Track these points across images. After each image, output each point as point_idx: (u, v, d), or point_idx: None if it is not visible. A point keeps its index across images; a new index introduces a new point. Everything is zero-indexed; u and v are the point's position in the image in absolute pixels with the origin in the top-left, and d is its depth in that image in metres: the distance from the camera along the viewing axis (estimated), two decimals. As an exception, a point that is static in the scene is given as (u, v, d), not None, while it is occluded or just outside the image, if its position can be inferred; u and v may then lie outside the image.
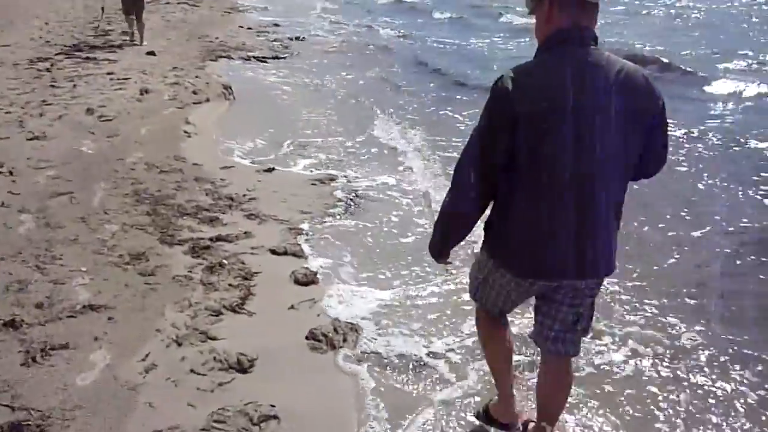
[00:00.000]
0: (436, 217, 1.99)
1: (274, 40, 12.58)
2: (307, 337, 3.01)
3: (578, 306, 1.93)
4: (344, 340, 3.00)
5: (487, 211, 1.92)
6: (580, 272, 1.81)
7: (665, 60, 10.10)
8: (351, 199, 4.79)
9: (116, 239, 3.84)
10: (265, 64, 10.40)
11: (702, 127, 7.01)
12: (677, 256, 4.06)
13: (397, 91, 8.72)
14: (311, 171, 5.38)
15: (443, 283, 3.57)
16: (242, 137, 6.15)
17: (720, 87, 8.87)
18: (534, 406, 2.30)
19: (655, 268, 3.87)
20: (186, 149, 5.62)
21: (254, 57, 10.69)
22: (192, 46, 11.14)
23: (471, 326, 3.07)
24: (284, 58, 11.01)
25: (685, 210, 4.78)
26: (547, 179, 1.70)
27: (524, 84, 1.67)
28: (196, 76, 8.16)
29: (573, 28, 1.69)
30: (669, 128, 1.90)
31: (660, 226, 4.47)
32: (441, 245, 1.99)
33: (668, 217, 4.63)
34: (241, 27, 14.20)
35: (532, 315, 2.11)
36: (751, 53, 11.25)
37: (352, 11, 19.21)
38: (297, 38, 13.15)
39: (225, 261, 3.64)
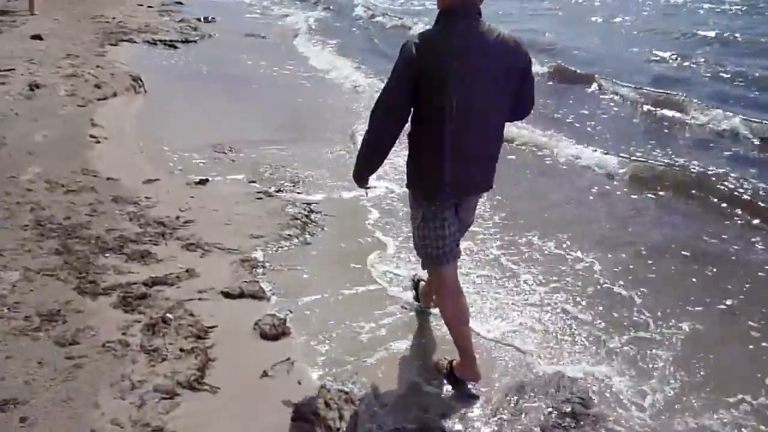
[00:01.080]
0: (357, 154, 2.42)
1: (181, 21, 11.33)
2: (293, 418, 2.37)
3: (469, 216, 2.57)
4: (341, 418, 2.39)
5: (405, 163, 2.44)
6: (474, 188, 2.42)
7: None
8: (306, 216, 4.12)
9: (19, 293, 2.95)
10: (174, 49, 9.26)
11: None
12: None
13: (331, 84, 8.01)
14: (253, 181, 4.62)
15: (435, 322, 3.04)
16: (163, 140, 5.24)
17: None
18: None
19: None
20: (96, 159, 4.65)
21: (161, 41, 9.48)
22: (85, 28, 9.72)
23: (490, 374, 2.58)
24: (195, 41, 9.88)
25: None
26: (443, 120, 2.15)
27: (424, 48, 2.13)
28: (97, 66, 6.97)
29: (463, 3, 2.15)
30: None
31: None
32: (362, 171, 2.42)
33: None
34: (140, 5, 12.72)
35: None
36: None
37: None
38: (206, 19, 11.93)
39: (169, 315, 2.88)
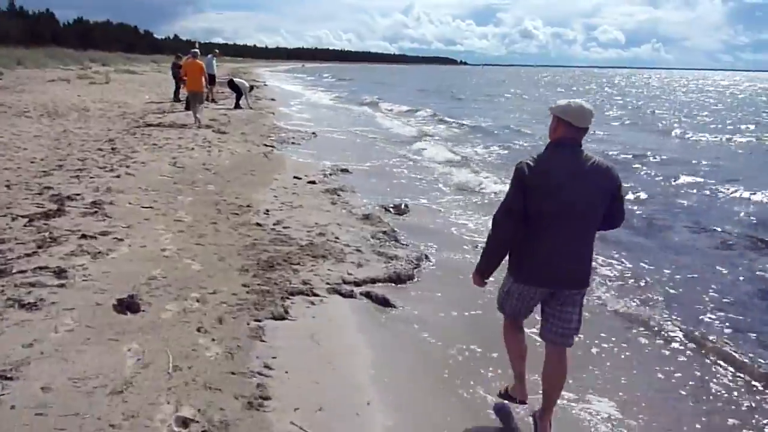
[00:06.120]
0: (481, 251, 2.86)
1: (366, 218, 6.66)
2: None
3: (570, 310, 2.77)
4: None
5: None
6: (568, 283, 2.71)
7: None
8: None
9: None
10: (390, 309, 4.37)
11: None
12: None
13: None
14: None
15: None
16: None
17: None
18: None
19: None
20: None
21: (359, 286, 4.66)
22: (227, 244, 5.13)
23: None
24: (414, 278, 5.01)
25: None
26: (546, 224, 2.61)
27: (533, 169, 2.61)
28: None
29: (568, 138, 2.66)
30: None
31: None
32: (483, 267, 2.83)
33: None
34: (298, 178, 8.40)
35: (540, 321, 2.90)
36: None
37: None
38: (398, 208, 7.29)
39: None
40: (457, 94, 39.03)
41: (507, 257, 2.80)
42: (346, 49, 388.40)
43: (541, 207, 2.58)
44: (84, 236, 4.90)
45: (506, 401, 3.14)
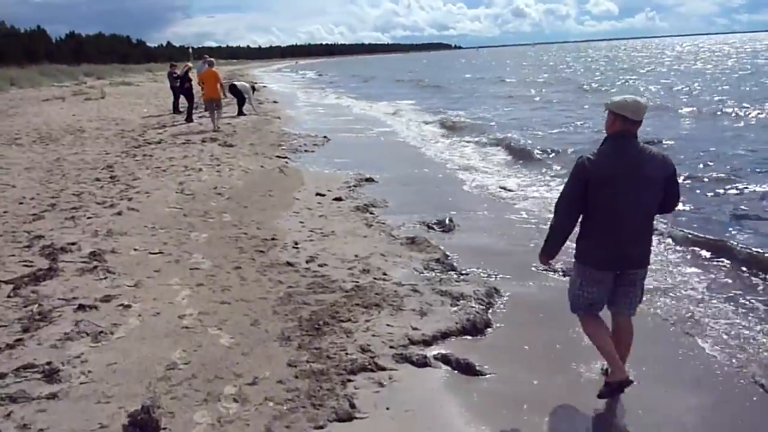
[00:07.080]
0: (546, 236, 3.10)
1: (412, 243, 5.62)
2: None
3: (633, 290, 3.01)
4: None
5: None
6: (631, 264, 2.92)
7: None
8: None
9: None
10: (483, 379, 3.35)
11: None
12: None
13: None
14: None
15: None
16: None
17: None
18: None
19: None
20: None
21: (430, 346, 3.64)
22: (257, 308, 4.14)
23: None
24: (493, 326, 4.01)
25: None
26: (606, 211, 2.82)
27: (593, 162, 2.81)
28: None
29: (624, 131, 2.82)
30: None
31: None
32: (549, 249, 3.08)
33: None
34: (321, 195, 7.40)
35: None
36: None
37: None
38: (442, 224, 6.25)
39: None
40: (446, 85, 36.50)
41: (575, 250, 3.04)
42: (339, 43, 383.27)
43: (606, 197, 2.79)
44: (81, 307, 3.90)
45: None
